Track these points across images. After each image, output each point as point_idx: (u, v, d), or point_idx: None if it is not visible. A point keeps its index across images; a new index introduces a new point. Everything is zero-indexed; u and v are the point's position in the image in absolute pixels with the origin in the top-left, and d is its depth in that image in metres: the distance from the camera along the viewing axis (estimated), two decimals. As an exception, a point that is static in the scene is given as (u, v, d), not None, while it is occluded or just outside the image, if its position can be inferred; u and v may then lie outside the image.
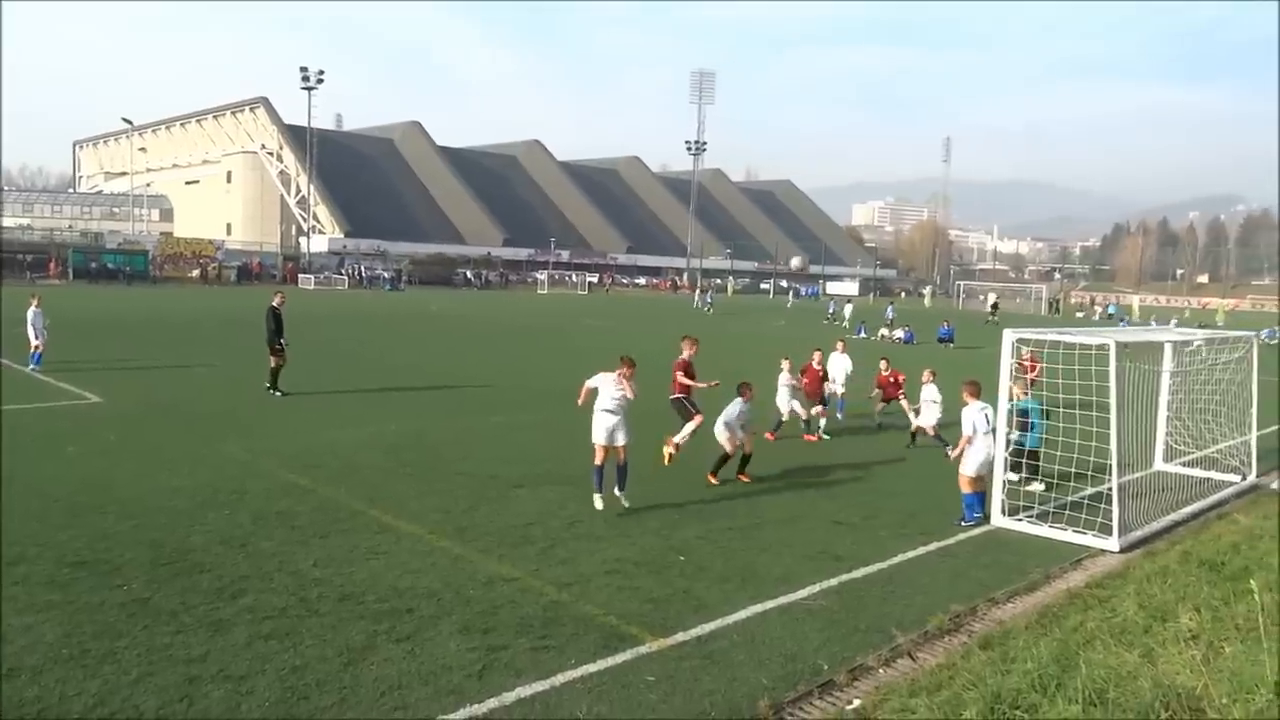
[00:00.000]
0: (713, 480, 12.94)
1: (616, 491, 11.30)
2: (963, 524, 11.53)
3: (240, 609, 7.78)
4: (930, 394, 16.10)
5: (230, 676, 6.58)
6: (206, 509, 10.71)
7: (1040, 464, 13.39)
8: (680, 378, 14.10)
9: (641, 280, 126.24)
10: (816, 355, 17.82)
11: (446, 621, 7.73)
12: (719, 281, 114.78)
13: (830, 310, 61.39)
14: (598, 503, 11.29)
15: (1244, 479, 14.72)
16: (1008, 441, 12.01)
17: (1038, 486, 13.13)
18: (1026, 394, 13.46)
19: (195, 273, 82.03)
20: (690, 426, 13.58)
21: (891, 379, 18.06)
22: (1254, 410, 15.12)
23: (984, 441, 11.64)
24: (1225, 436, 15.22)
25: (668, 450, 13.20)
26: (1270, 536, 10.37)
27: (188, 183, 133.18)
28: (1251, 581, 7.39)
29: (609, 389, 11.38)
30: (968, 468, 11.71)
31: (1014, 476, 13.06)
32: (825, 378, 17.70)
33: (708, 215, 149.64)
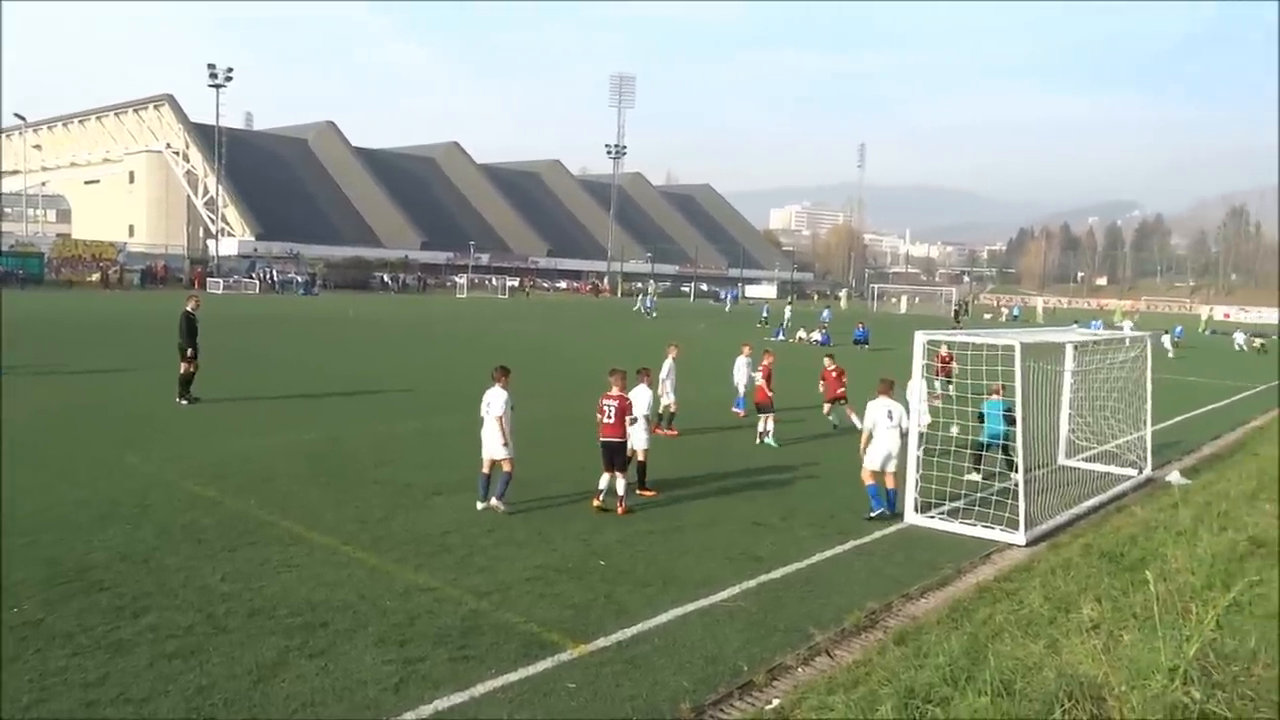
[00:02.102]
0: (649, 493, 12.61)
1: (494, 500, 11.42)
2: (870, 517, 11.80)
3: (142, 628, 7.47)
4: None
5: (131, 699, 6.31)
6: (107, 523, 10.25)
7: (1006, 457, 13.93)
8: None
9: (562, 284, 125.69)
10: (768, 358, 18.22)
11: (362, 634, 7.56)
12: (640, 285, 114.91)
13: (765, 314, 61.79)
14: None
15: (1140, 472, 15.41)
16: (925, 437, 12.33)
17: (974, 477, 13.63)
18: (998, 394, 13.87)
19: (95, 276, 78.34)
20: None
21: (835, 374, 18.41)
22: (1149, 406, 15.84)
23: (886, 436, 12.01)
24: (1123, 432, 15.92)
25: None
26: (1164, 528, 10.86)
27: (87, 182, 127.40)
28: (1147, 572, 7.72)
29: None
30: (871, 461, 12.12)
31: (976, 477, 13.64)
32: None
33: (628, 218, 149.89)
